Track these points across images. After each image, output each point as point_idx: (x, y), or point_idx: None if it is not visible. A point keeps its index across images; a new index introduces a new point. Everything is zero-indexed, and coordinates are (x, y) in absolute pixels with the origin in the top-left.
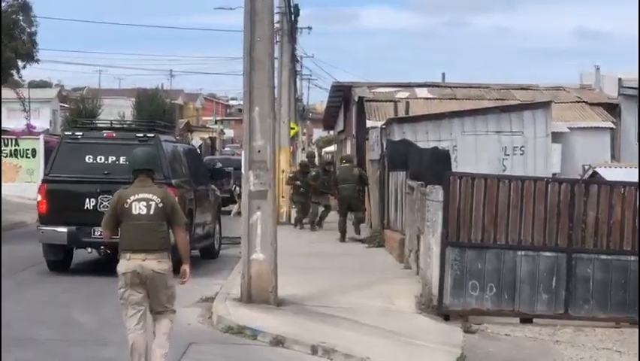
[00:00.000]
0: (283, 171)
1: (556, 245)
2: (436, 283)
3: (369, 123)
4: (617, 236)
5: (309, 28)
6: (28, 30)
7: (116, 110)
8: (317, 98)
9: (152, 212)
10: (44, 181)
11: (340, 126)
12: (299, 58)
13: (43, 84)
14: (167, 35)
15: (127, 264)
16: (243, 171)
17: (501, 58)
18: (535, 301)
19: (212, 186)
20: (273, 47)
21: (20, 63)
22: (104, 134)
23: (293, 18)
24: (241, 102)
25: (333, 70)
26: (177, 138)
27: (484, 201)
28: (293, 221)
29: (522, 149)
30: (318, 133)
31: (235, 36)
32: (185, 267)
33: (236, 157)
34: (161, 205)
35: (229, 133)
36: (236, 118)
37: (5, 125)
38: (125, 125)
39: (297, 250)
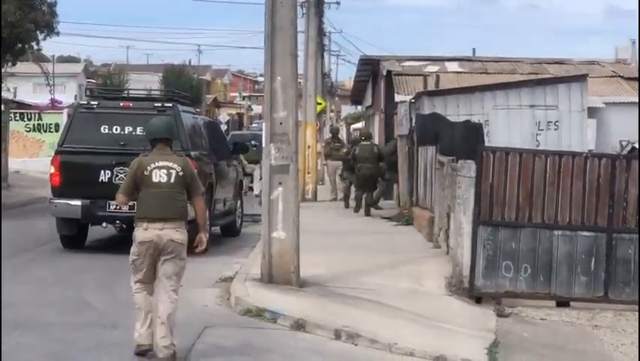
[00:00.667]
0: (309, 147)
1: (595, 224)
2: (468, 263)
3: (397, 97)
4: None
5: (338, 2)
6: (48, 0)
7: (143, 86)
8: (346, 75)
9: (172, 180)
10: (57, 153)
11: (368, 101)
12: (327, 33)
13: (71, 59)
14: (196, 10)
15: (144, 234)
16: (263, 143)
17: (531, 35)
18: (572, 284)
19: (235, 161)
20: (296, 13)
21: (40, 35)
22: (120, 104)
23: None
24: None
25: (362, 45)
26: (197, 110)
27: (519, 177)
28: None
29: (556, 124)
30: (347, 109)
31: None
32: (202, 235)
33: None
34: (181, 174)
35: (257, 109)
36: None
37: (31, 99)
38: (142, 95)
39: (322, 228)
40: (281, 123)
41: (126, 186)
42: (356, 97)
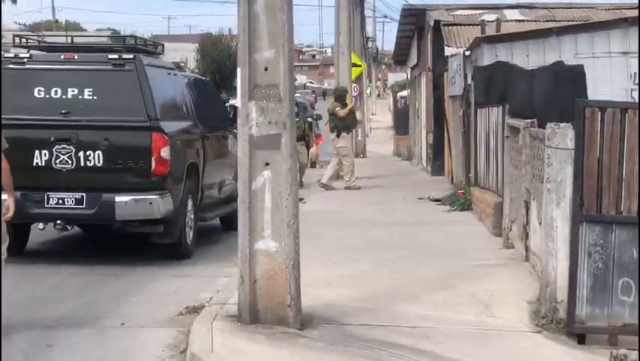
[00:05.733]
0: None
1: None
2: (564, 282)
3: (448, 51)
4: None
5: None
6: None
7: (178, 55)
8: (393, 43)
9: None
10: None
11: (413, 60)
12: None
13: (113, 31)
14: None
15: None
16: (238, 102)
17: None
18: None
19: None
20: None
21: None
22: (62, 56)
23: None
24: (316, 49)
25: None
26: (180, 64)
27: None
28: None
29: None
30: (394, 77)
31: None
32: (8, 199)
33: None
34: None
35: (301, 79)
36: (310, 64)
37: None
38: (92, 44)
39: (350, 217)
40: (266, 69)
41: None
42: (399, 57)
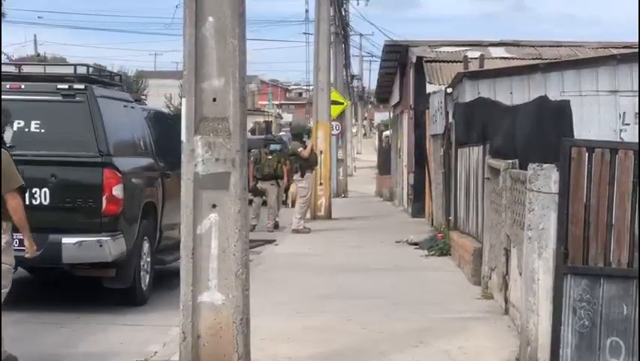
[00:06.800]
0: (321, 152)
1: None
2: (546, 340)
3: (429, 88)
4: None
5: None
6: None
7: (162, 91)
8: None
9: None
10: None
11: (396, 97)
12: (358, 33)
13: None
14: None
15: None
16: (182, 136)
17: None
18: None
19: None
20: None
21: None
22: (8, 86)
23: None
24: (302, 87)
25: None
26: (141, 97)
27: (636, 192)
28: None
29: None
30: (380, 117)
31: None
32: (25, 240)
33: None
34: None
35: (287, 117)
36: (296, 102)
37: None
38: (40, 73)
39: (322, 261)
40: (214, 100)
41: None
42: (382, 94)
